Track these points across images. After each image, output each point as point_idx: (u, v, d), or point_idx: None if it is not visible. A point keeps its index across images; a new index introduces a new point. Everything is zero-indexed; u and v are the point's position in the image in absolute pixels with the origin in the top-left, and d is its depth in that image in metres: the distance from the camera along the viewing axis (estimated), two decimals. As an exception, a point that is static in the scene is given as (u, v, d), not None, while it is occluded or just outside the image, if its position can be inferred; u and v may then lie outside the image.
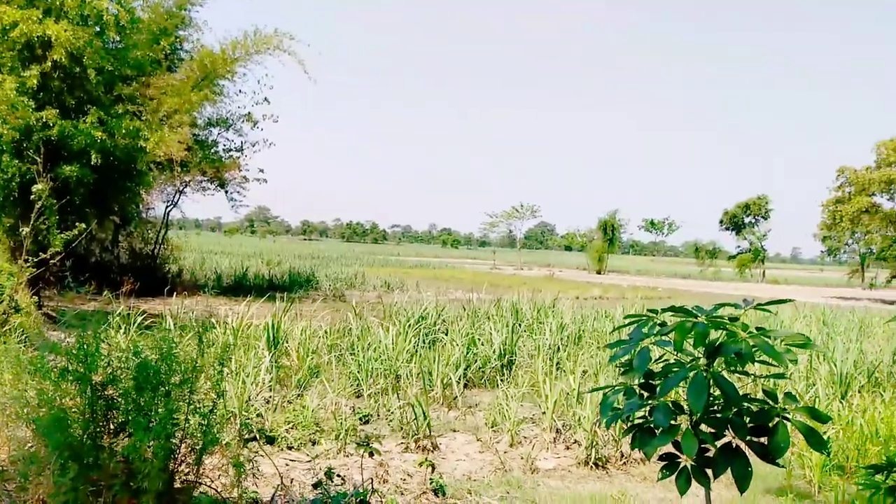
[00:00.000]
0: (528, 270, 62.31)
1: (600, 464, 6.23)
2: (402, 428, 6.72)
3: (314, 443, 6.30)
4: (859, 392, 8.89)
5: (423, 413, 6.46)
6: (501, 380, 9.18)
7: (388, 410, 7.27)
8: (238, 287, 22.30)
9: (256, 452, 4.67)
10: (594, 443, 6.28)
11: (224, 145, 21.95)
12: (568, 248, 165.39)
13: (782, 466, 2.35)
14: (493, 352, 9.99)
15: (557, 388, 7.20)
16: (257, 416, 6.58)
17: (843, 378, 8.86)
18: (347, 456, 6.01)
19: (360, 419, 7.08)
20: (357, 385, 8.26)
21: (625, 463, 6.33)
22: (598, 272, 66.36)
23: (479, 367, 9.68)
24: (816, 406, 7.62)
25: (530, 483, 5.70)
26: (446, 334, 10.61)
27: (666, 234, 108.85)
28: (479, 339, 10.31)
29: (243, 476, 3.68)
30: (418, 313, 11.39)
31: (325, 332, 10.24)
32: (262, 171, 22.87)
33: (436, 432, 6.77)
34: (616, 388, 2.50)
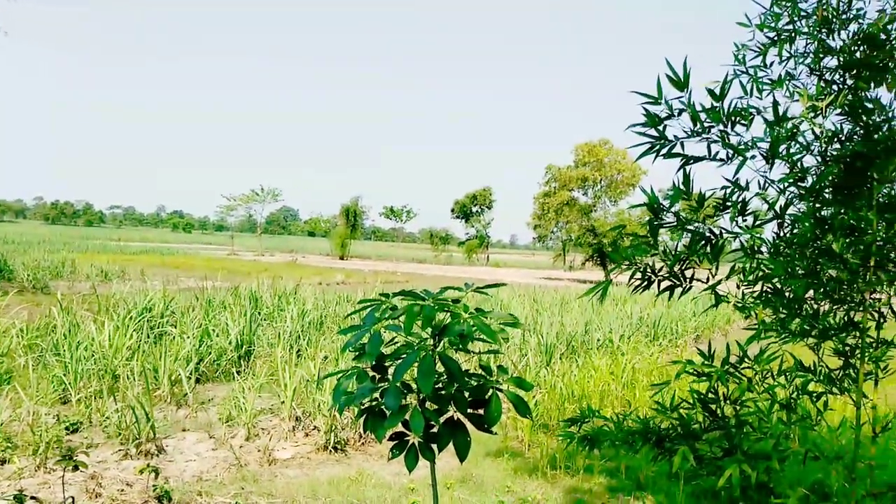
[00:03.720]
0: (270, 256, 60.54)
1: (340, 447, 6.30)
2: (120, 433, 6.01)
3: (4, 462, 5.30)
4: (560, 359, 10.37)
5: (146, 414, 5.85)
6: (238, 372, 8.75)
7: (104, 415, 6.44)
8: None
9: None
10: (333, 427, 6.32)
11: None
12: (311, 234, 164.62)
13: (495, 434, 2.59)
14: (230, 343, 9.47)
15: (298, 375, 7.10)
16: (-83, 439, 5.32)
17: (548, 348, 10.24)
18: (49, 472, 5.17)
19: (67, 428, 6.15)
20: (63, 390, 7.16)
21: (363, 443, 6.50)
22: (342, 257, 67.25)
23: (214, 360, 9.09)
24: (527, 374, 8.70)
25: (267, 475, 5.53)
26: (175, 327, 9.75)
27: (405, 220, 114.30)
28: (213, 331, 9.68)
29: None
30: (142, 305, 10.29)
31: (21, 331, 8.69)
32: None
33: (162, 434, 6.19)
34: (348, 373, 2.52)
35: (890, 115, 2.90)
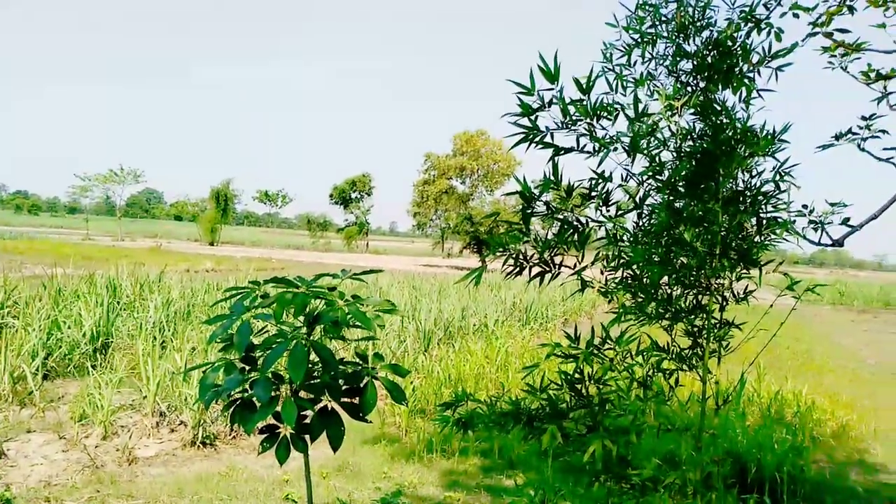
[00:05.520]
0: (131, 241, 56.49)
1: (209, 442, 6.01)
2: (-51, 440, 5.36)
3: None
4: (438, 344, 10.53)
5: (-18, 417, 5.25)
6: (94, 366, 8.08)
7: (-71, 420, 5.71)
8: None
9: None
10: (202, 421, 6.01)
11: None
12: (178, 218, 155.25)
13: (370, 422, 2.57)
14: (84, 335, 8.71)
15: (162, 368, 6.67)
16: None
17: (426, 334, 10.36)
18: None
19: None
20: None
21: (234, 437, 6.24)
22: (212, 243, 64.01)
23: (66, 354, 8.34)
24: (406, 360, 8.76)
25: (127, 475, 5.16)
26: (18, 318, 8.82)
27: (280, 206, 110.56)
28: (64, 322, 8.86)
29: None
30: (-24, 295, 9.20)
31: None
32: None
33: (2, 436, 5.59)
34: (215, 364, 2.39)
35: (734, 116, 3.19)
